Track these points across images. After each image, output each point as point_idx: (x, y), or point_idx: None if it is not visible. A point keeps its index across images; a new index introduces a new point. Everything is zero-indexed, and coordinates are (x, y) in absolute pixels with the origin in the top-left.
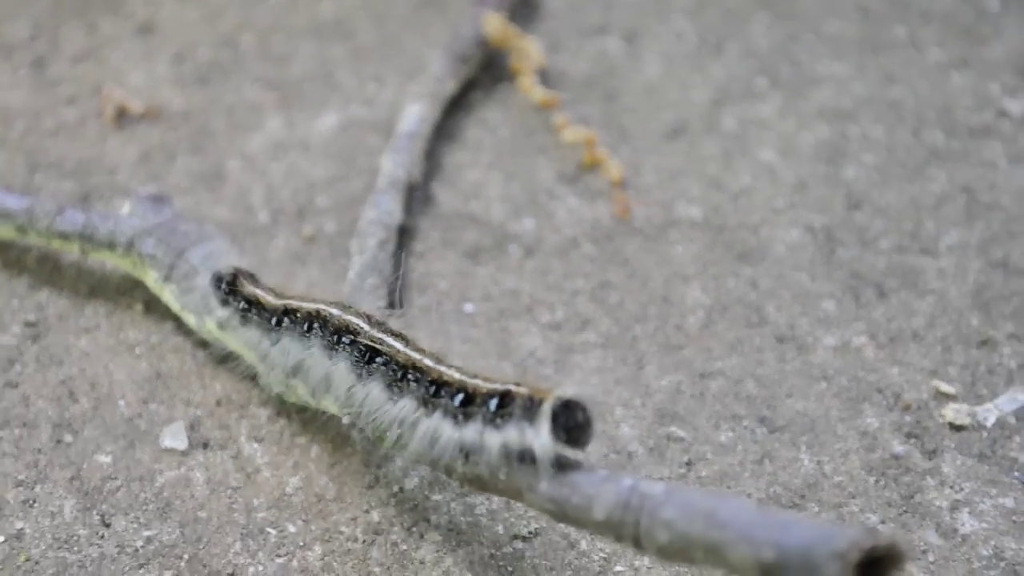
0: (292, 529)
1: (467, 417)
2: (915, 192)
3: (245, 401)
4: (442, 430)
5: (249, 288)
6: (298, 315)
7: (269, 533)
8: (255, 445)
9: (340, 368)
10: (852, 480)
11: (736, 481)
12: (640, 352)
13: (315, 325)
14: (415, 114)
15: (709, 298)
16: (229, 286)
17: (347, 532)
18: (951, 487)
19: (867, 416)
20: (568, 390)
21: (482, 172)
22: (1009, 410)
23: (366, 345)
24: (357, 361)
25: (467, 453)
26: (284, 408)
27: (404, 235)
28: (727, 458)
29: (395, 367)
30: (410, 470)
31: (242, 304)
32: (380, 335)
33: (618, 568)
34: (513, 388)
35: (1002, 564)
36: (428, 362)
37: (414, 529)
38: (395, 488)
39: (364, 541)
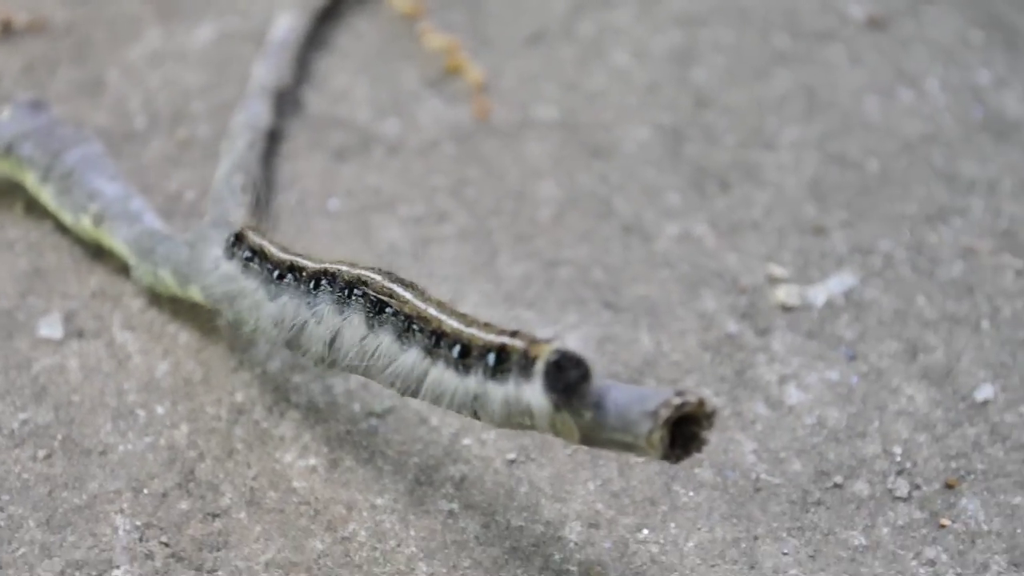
0: (160, 410)
1: (467, 368)
2: (760, 92)
3: (119, 293)
4: (446, 380)
5: (256, 240)
6: (304, 273)
7: (139, 414)
8: (127, 334)
9: (353, 321)
10: (688, 357)
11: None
12: (494, 243)
13: (323, 281)
14: (286, 23)
15: (561, 192)
16: (235, 238)
17: (212, 412)
18: (780, 362)
19: (705, 299)
20: (563, 344)
21: (349, 78)
22: (838, 291)
23: (376, 297)
24: (369, 313)
25: (475, 404)
26: (156, 299)
27: (273, 138)
28: (571, 339)
29: (403, 317)
30: (273, 353)
31: (246, 254)
32: (390, 285)
33: (465, 441)
34: (508, 341)
35: (824, 431)
36: (432, 311)
37: (275, 408)
38: (258, 371)
39: (228, 420)
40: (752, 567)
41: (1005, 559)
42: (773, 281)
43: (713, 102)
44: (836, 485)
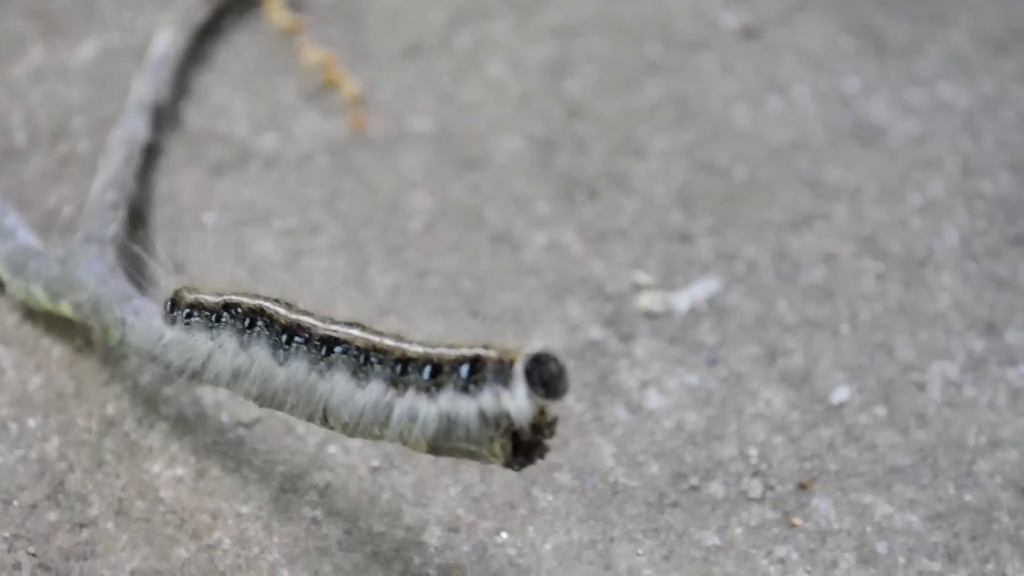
0: (32, 423)
1: (439, 387)
2: (631, 101)
3: None
4: (418, 407)
5: (191, 295)
6: (239, 310)
7: (10, 427)
8: (1, 348)
9: (294, 368)
10: None
11: None
12: (365, 255)
13: (258, 323)
14: (166, 39)
15: (433, 203)
16: (171, 303)
17: (83, 424)
18: (642, 368)
19: (570, 306)
20: (536, 344)
21: (228, 93)
22: (701, 297)
23: (322, 337)
24: (315, 357)
25: (447, 426)
26: (30, 314)
27: (151, 153)
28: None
29: (355, 353)
30: (144, 366)
31: (185, 311)
32: (334, 326)
33: (331, 449)
34: (482, 352)
35: (683, 434)
36: (389, 342)
37: (145, 420)
38: (129, 383)
39: (98, 432)
40: (607, 568)
41: (854, 556)
42: (638, 288)
43: (585, 112)
44: (692, 487)
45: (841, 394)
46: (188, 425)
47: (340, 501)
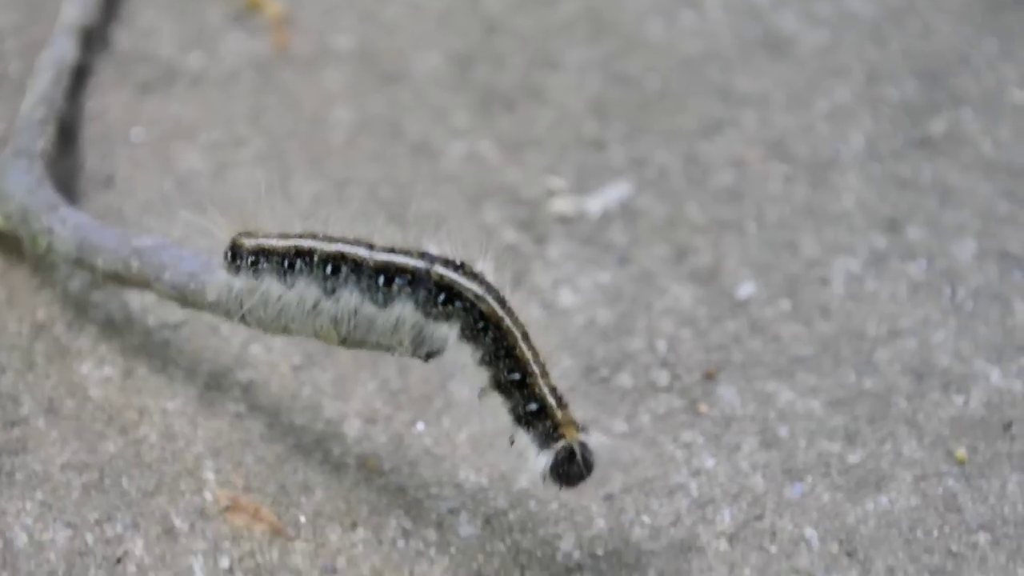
0: None
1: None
2: (548, 17)
3: None
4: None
5: (254, 241)
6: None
7: None
8: None
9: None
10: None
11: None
12: (289, 165)
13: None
14: None
15: (355, 117)
16: (233, 252)
17: (14, 330)
18: (555, 268)
19: (487, 211)
20: (590, 439)
21: (156, 14)
22: (613, 201)
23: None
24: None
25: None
26: None
27: (80, 73)
28: None
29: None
30: (74, 273)
31: (251, 259)
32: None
33: (254, 349)
34: (552, 405)
35: (594, 330)
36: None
37: (74, 324)
38: (59, 290)
39: (29, 336)
40: (519, 456)
41: (757, 440)
42: (552, 193)
43: (502, 28)
44: (602, 379)
45: (747, 289)
46: (116, 328)
47: (263, 397)
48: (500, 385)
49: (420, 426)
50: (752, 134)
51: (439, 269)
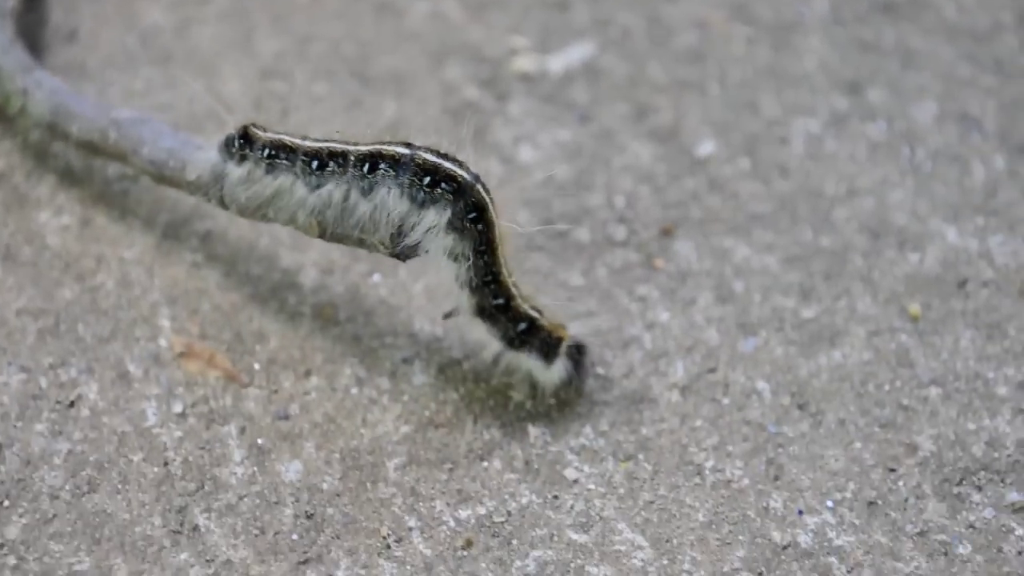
0: None
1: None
2: None
3: None
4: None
5: (270, 135)
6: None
7: None
8: None
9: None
10: (430, 121)
11: (326, 124)
12: (252, 21)
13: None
14: None
15: None
16: (243, 140)
17: None
18: (516, 125)
19: (449, 69)
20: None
21: None
22: (575, 60)
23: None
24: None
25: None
26: None
27: None
28: (319, 107)
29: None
30: (34, 125)
31: (267, 152)
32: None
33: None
34: (538, 318)
35: (553, 185)
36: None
37: (34, 173)
38: (19, 140)
39: None
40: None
41: (712, 295)
42: (515, 52)
43: None
44: (560, 233)
45: (707, 148)
46: (75, 177)
47: (220, 247)
48: (484, 312)
49: (376, 277)
50: None
51: (423, 153)
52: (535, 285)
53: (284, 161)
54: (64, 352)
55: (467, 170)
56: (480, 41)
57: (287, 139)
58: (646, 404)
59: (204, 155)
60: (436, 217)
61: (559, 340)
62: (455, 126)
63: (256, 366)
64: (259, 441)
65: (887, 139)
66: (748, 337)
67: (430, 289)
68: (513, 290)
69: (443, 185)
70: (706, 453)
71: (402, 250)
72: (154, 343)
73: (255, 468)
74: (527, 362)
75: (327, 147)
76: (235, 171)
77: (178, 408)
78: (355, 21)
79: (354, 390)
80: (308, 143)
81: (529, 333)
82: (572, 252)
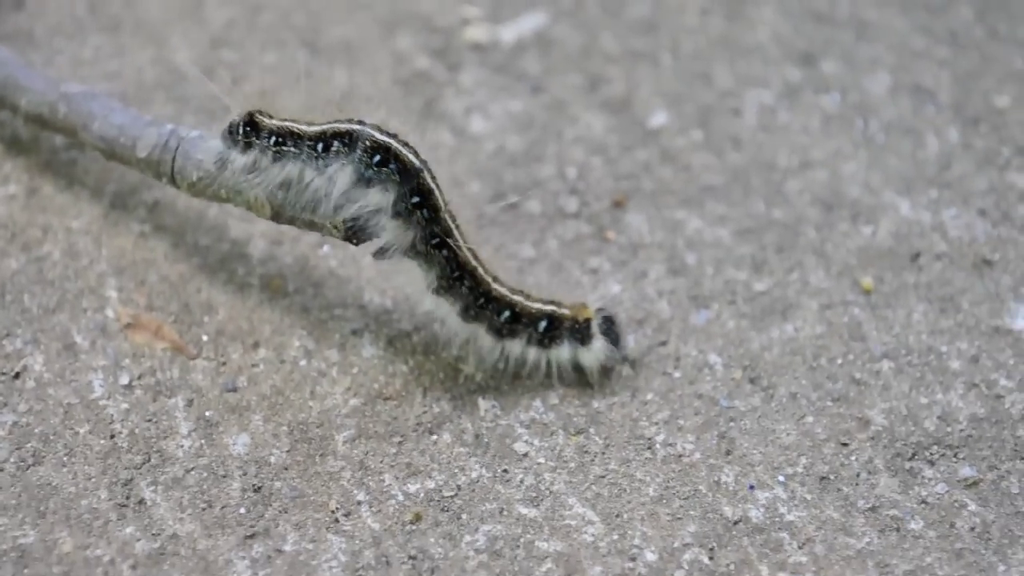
0: None
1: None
2: None
3: None
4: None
5: (275, 122)
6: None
7: None
8: None
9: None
10: (381, 91)
11: (276, 96)
12: None
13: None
14: None
15: None
16: (248, 127)
17: None
18: (467, 95)
19: (400, 39)
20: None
21: None
22: (528, 29)
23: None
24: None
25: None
26: None
27: None
28: (270, 76)
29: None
30: None
31: (274, 139)
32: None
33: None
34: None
35: (504, 156)
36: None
37: None
38: None
39: None
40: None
41: (664, 267)
42: (467, 21)
43: None
44: (511, 205)
45: (659, 119)
46: (22, 146)
47: (168, 217)
48: (503, 329)
49: (326, 248)
50: None
51: (373, 131)
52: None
53: (292, 148)
54: (9, 323)
55: (415, 155)
56: (432, 10)
57: (294, 126)
58: (596, 378)
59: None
60: (380, 198)
61: (587, 321)
62: (406, 96)
63: (204, 338)
64: (207, 414)
65: (840, 111)
66: (700, 310)
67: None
68: (499, 286)
69: (390, 166)
70: (657, 427)
71: (353, 231)
72: (101, 314)
73: (202, 441)
74: (566, 352)
75: (332, 128)
76: (239, 159)
77: (125, 380)
78: None
79: (303, 362)
80: (312, 128)
81: (553, 328)
82: (524, 223)
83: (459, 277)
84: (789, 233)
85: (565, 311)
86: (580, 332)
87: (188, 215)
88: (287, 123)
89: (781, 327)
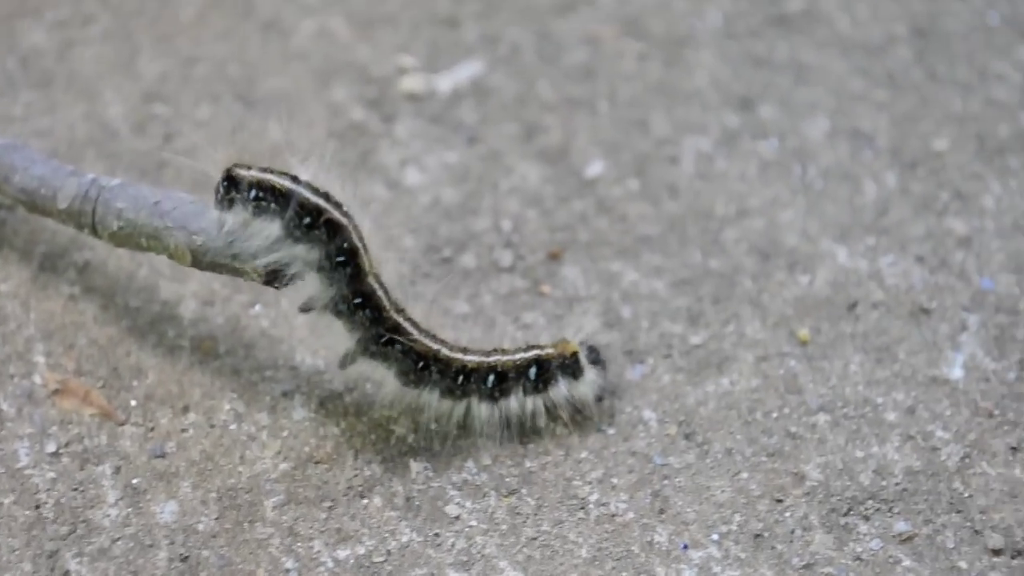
0: None
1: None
2: None
3: None
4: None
5: (253, 173)
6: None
7: None
8: None
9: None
10: (315, 144)
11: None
12: (136, 43)
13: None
14: None
15: None
16: (227, 184)
17: None
18: (402, 147)
19: (335, 90)
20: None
21: None
22: (464, 79)
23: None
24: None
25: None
26: None
27: None
28: (203, 131)
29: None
30: None
31: (253, 193)
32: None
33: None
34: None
35: (439, 209)
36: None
37: None
38: None
39: None
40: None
41: (599, 321)
42: (403, 71)
43: None
44: (445, 259)
45: (596, 168)
46: None
47: (98, 278)
48: (493, 391)
49: (258, 307)
50: (608, 11)
51: (304, 192)
52: (420, 313)
53: (273, 205)
54: None
55: (342, 212)
56: (367, 60)
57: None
58: (530, 436)
59: (74, 180)
60: (306, 254)
61: (575, 354)
62: (341, 149)
63: (133, 402)
64: (134, 481)
65: (778, 157)
66: (635, 364)
67: (312, 321)
68: (470, 355)
69: (319, 227)
70: (591, 486)
71: (274, 275)
72: (28, 380)
73: (129, 509)
74: (562, 391)
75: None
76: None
77: (51, 448)
78: (241, 41)
79: (232, 426)
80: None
81: (543, 371)
82: (458, 279)
83: (423, 362)
84: (725, 283)
85: (550, 351)
86: (571, 367)
87: (119, 276)
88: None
89: (717, 381)
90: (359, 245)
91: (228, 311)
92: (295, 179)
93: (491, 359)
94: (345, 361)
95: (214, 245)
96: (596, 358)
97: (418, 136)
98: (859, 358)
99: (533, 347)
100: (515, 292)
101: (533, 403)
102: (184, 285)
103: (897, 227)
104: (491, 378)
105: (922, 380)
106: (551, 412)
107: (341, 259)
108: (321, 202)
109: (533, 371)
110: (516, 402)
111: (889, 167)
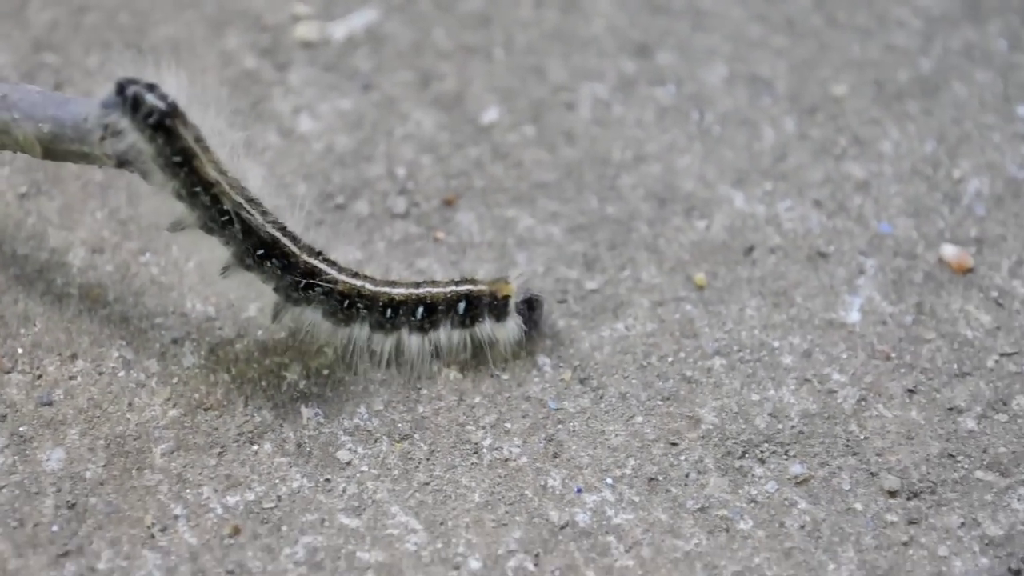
0: None
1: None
2: None
3: None
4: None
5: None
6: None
7: None
8: None
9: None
10: (206, 92)
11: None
12: None
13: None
14: None
15: None
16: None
17: None
18: (295, 94)
19: (228, 38)
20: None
21: None
22: (359, 26)
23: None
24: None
25: None
26: None
27: None
28: (92, 80)
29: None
30: None
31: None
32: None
33: None
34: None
35: (332, 156)
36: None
37: None
38: None
39: None
40: (249, 285)
41: (493, 267)
42: (296, 19)
43: None
44: (338, 205)
45: (491, 115)
46: None
47: None
48: (423, 323)
49: (148, 255)
50: None
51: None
52: None
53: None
54: None
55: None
56: (261, 8)
57: None
58: (424, 381)
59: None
60: (142, 144)
61: (506, 297)
62: (234, 97)
63: (19, 350)
64: (20, 429)
65: (676, 103)
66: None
67: (203, 267)
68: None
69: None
70: (484, 431)
71: (124, 161)
72: None
73: (15, 457)
74: (486, 330)
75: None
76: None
77: None
78: None
79: (121, 373)
80: None
81: (472, 307)
82: (351, 225)
83: (347, 300)
84: (622, 229)
85: (483, 287)
86: (498, 309)
87: (5, 224)
88: None
89: (612, 326)
90: (195, 148)
91: (118, 259)
92: (151, 87)
93: (420, 291)
94: (276, 314)
95: (61, 132)
96: (532, 306)
97: (312, 84)
98: (756, 302)
99: (466, 281)
100: (409, 238)
101: (460, 336)
102: (73, 233)
103: (795, 172)
104: (420, 310)
105: (819, 324)
106: (477, 347)
107: (177, 159)
108: (159, 104)
109: (462, 305)
110: (444, 334)
111: (787, 112)
